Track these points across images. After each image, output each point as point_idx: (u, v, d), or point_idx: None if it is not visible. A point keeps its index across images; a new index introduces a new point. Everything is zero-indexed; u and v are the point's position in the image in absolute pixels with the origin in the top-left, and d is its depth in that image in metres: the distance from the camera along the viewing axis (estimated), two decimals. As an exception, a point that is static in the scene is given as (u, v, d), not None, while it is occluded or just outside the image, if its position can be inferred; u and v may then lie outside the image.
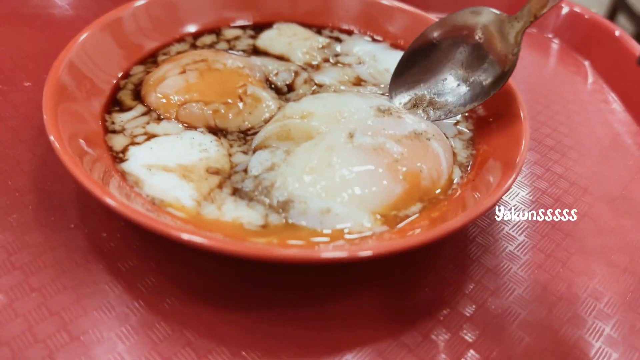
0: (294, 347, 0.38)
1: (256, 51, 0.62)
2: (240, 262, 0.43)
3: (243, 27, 0.65)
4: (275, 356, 0.38)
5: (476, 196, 0.45)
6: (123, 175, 0.44)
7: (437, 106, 0.52)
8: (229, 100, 0.51)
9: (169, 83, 0.52)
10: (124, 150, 0.47)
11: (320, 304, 0.42)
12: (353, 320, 0.41)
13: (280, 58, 0.61)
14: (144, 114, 0.51)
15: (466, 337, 0.41)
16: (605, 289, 0.46)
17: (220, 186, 0.45)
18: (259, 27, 0.65)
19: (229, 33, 0.63)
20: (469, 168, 0.49)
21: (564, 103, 0.68)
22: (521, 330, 0.42)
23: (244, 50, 0.61)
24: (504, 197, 0.53)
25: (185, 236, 0.36)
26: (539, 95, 0.68)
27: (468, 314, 0.42)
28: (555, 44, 0.80)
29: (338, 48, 0.64)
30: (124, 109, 0.51)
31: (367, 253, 0.37)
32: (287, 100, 0.55)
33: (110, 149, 0.47)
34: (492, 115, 0.53)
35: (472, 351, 0.40)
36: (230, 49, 0.61)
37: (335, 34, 0.66)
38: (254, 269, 0.43)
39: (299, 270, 0.43)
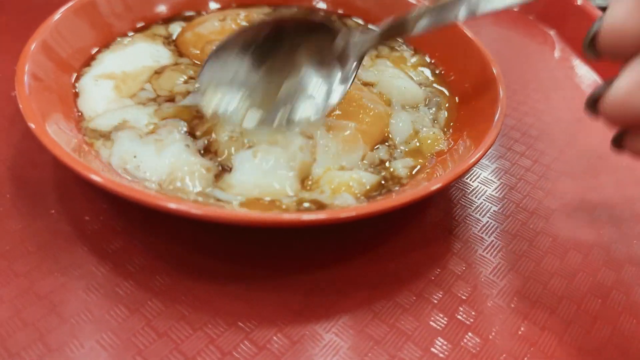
0: (289, 314, 0.38)
1: None
2: (229, 233, 0.43)
3: None
4: (272, 323, 0.37)
5: (455, 159, 0.45)
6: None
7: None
8: None
9: (206, 25, 0.57)
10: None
11: (313, 271, 0.41)
12: (346, 285, 0.41)
13: None
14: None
15: (458, 294, 0.41)
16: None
17: None
18: None
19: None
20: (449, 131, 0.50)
21: (534, 72, 0.69)
22: (510, 284, 0.42)
23: None
24: (484, 161, 0.54)
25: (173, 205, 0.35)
26: (509, 66, 0.69)
27: (459, 272, 0.43)
28: (521, 17, 0.81)
29: None
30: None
31: (350, 214, 0.38)
32: None
33: None
34: (467, 81, 0.54)
35: (464, 306, 0.40)
36: None
37: None
38: (245, 240, 0.42)
39: (289, 239, 0.43)
